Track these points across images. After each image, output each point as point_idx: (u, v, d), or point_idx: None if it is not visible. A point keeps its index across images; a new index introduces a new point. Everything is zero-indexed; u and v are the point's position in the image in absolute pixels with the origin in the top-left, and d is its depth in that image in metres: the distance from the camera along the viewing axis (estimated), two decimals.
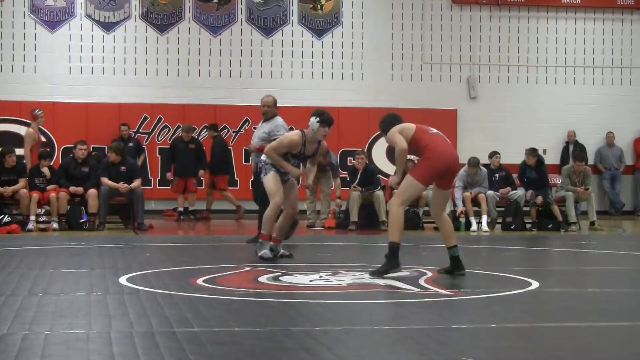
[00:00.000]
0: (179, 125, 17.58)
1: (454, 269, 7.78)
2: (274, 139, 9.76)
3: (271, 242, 9.07)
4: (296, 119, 17.88)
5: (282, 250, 9.14)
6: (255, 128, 18.00)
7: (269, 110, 10.96)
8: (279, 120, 10.96)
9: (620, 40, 19.86)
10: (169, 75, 18.16)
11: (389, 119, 8.11)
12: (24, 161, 14.49)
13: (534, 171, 15.30)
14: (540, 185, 15.23)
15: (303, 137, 8.90)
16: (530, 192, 15.11)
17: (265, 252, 8.86)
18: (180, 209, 16.38)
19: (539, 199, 14.98)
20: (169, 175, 16.49)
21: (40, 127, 16.86)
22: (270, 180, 9.00)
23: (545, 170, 15.65)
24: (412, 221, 14.44)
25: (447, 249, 7.81)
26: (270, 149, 8.97)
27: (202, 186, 16.91)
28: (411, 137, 7.79)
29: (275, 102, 11.06)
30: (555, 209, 14.95)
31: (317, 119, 8.82)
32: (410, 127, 7.88)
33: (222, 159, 16.88)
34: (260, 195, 9.92)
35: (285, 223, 9.20)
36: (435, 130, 7.92)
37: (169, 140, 17.66)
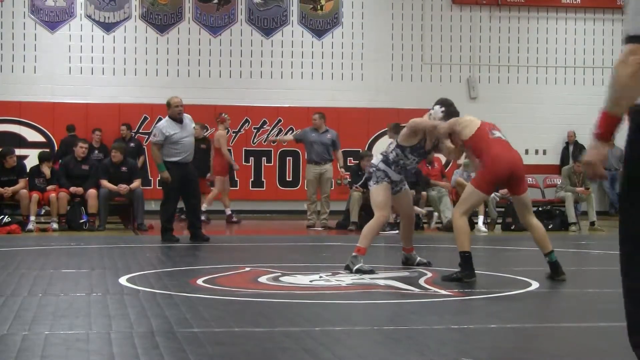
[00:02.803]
0: None
1: (554, 275, 7.54)
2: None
3: (404, 252, 8.58)
4: (296, 119, 17.93)
5: (418, 258, 8.53)
6: (255, 128, 18.18)
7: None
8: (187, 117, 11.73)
9: (620, 41, 19.82)
10: (169, 75, 18.15)
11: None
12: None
13: None
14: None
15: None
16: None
17: (360, 265, 7.86)
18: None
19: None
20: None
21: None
22: (380, 191, 8.12)
23: None
24: None
25: (543, 256, 7.58)
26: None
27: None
28: (471, 135, 7.69)
29: None
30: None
31: (443, 108, 8.00)
32: (474, 124, 7.75)
33: None
34: None
35: (407, 232, 8.57)
36: (497, 135, 7.64)
37: None
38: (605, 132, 3.27)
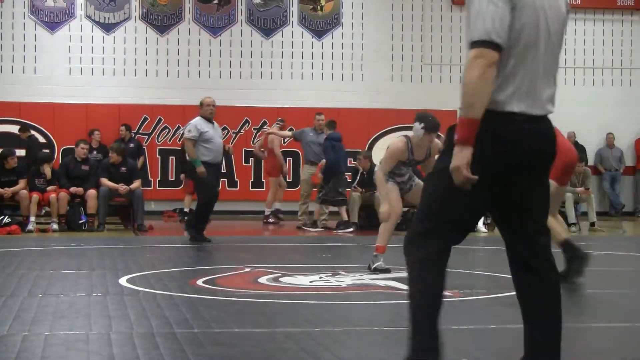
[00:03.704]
0: (179, 126, 17.55)
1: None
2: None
3: None
4: (296, 119, 17.91)
5: None
6: (255, 129, 18.17)
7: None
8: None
9: (620, 41, 19.84)
10: (169, 76, 18.15)
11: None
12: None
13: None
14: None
15: (409, 144, 8.21)
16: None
17: (378, 264, 8.12)
18: (187, 209, 16.21)
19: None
20: (182, 176, 16.42)
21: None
22: (387, 188, 8.38)
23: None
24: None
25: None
26: (380, 169, 8.40)
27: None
28: None
29: None
30: None
31: (422, 124, 8.10)
32: None
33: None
34: None
35: None
36: None
37: (169, 141, 17.68)
38: (465, 136, 3.34)
